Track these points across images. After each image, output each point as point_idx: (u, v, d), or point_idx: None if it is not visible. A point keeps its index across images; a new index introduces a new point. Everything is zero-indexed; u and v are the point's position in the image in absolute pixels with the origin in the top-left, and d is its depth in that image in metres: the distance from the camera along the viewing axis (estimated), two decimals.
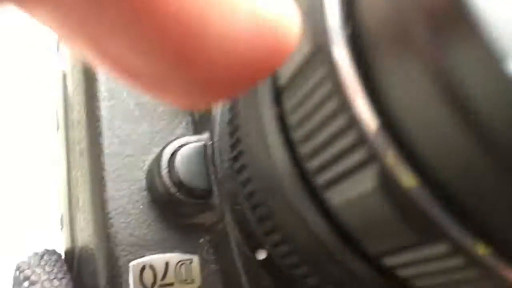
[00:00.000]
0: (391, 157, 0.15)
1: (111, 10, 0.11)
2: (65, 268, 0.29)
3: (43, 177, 0.47)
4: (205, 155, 0.26)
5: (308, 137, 0.18)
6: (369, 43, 0.15)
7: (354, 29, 0.15)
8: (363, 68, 0.15)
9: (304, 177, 0.19)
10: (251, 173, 0.22)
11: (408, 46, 0.13)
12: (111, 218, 0.26)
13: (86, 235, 0.28)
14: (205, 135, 0.27)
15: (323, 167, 0.17)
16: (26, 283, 0.27)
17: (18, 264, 0.28)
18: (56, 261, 0.29)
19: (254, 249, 0.25)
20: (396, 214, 0.15)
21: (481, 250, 0.15)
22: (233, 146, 0.24)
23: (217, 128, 0.26)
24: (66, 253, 0.31)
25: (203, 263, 0.27)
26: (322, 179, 0.18)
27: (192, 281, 0.27)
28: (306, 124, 0.17)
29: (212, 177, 0.26)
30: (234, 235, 0.25)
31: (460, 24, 0.12)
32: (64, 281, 0.27)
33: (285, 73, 0.18)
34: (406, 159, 0.15)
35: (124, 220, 0.27)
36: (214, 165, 0.25)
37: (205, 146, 0.26)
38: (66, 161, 0.31)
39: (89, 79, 0.29)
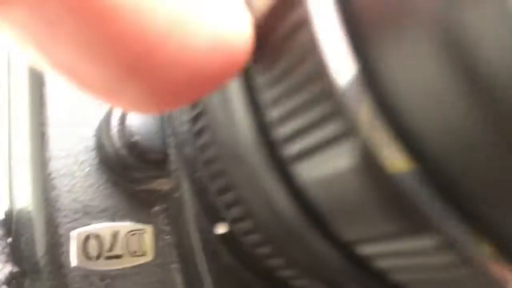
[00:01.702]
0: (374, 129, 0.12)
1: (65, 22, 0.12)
2: (0, 233, 0.25)
3: None
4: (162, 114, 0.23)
5: (277, 100, 0.15)
6: None
7: None
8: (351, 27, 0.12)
9: (271, 147, 0.16)
10: (211, 137, 0.19)
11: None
12: (52, 180, 0.23)
13: (24, 197, 0.25)
14: None
15: (292, 136, 0.14)
16: None
17: None
18: None
19: (213, 222, 0.22)
20: (377, 198, 0.13)
21: (481, 248, 0.13)
22: (193, 105, 0.21)
23: None
24: (6, 214, 0.27)
25: (157, 234, 0.24)
26: (291, 150, 0.15)
27: (144, 253, 0.24)
28: (276, 86, 0.14)
29: (170, 139, 0.22)
30: (191, 205, 0.22)
31: None
32: None
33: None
34: (394, 135, 0.12)
35: (68, 182, 0.23)
36: (172, 126, 0.22)
37: None
38: (8, 111, 0.27)
39: None
